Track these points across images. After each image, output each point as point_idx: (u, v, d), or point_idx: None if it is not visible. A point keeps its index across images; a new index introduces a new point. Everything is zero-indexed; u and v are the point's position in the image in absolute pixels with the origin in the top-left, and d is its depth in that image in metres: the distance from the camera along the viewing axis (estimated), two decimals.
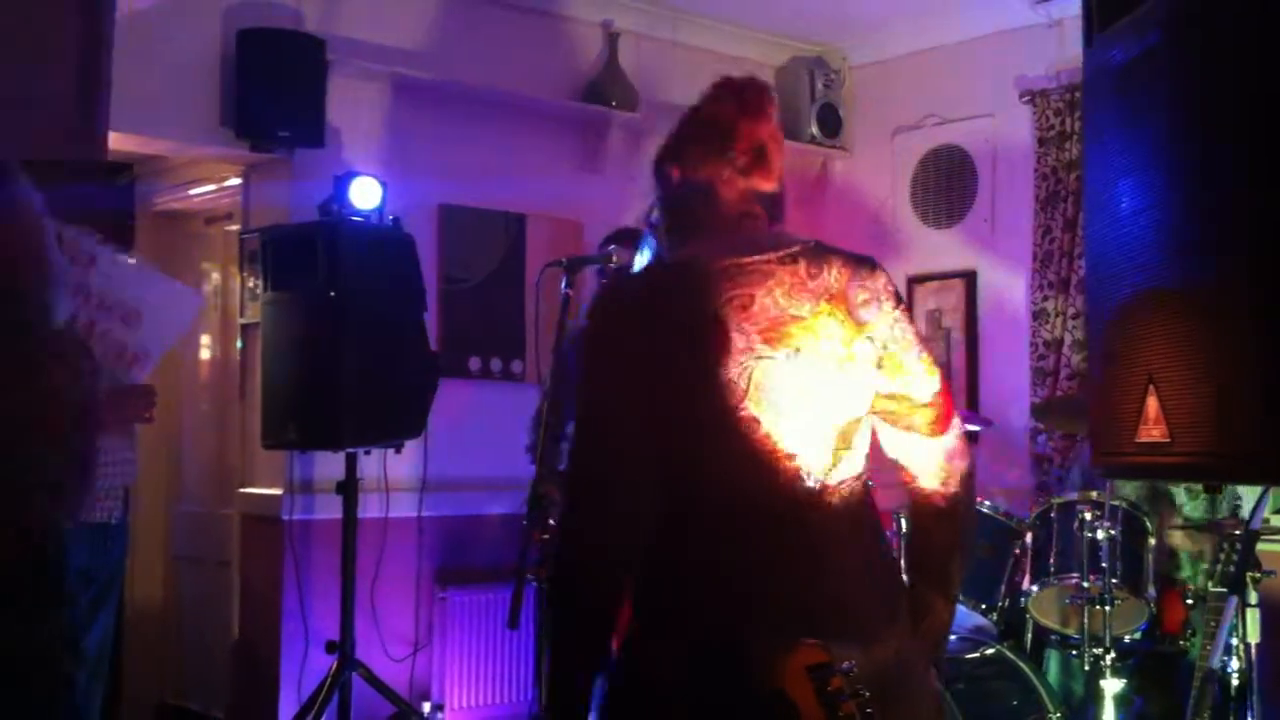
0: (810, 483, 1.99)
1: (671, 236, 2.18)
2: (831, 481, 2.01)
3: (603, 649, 1.96)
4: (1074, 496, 4.44)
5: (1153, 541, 4.32)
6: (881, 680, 1.88)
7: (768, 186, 2.13)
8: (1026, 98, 5.62)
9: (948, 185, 6.02)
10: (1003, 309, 5.77)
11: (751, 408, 1.97)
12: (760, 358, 1.98)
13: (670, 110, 5.66)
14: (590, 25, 5.72)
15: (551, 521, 3.64)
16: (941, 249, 5.98)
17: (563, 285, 3.88)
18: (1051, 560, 4.34)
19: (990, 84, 5.77)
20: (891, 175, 6.21)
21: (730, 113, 2.11)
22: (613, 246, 3.98)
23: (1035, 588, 4.34)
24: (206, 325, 5.69)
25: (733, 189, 2.11)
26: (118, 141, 4.81)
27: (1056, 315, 5.46)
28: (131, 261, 3.70)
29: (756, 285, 2.00)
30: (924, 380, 2.12)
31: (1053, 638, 4.44)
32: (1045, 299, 5.50)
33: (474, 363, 5.33)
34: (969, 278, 5.88)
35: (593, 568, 1.95)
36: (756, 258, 2.03)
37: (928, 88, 6.04)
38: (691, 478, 1.99)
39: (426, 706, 4.94)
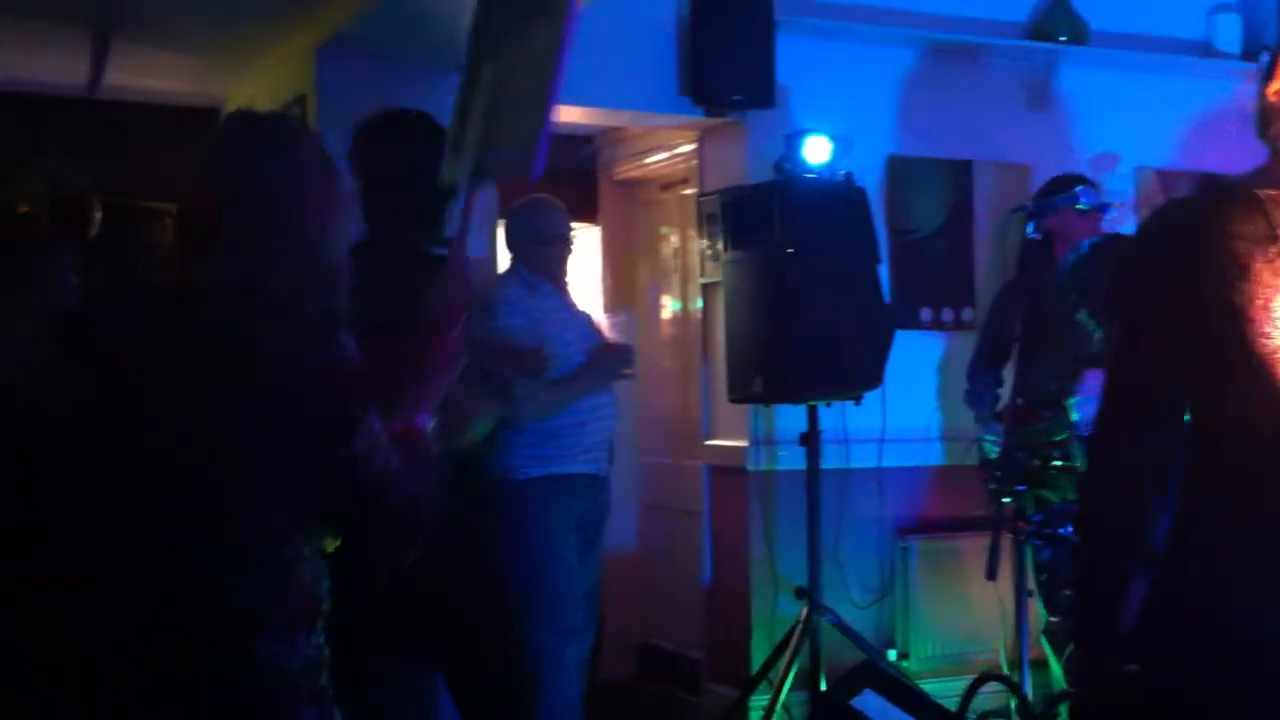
0: None
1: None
2: None
3: (1131, 574, 1.94)
4: None
5: None
6: None
7: None
8: None
9: None
10: None
11: None
12: None
13: (1122, 42, 5.46)
14: None
15: None
16: None
17: (1029, 229, 3.83)
18: None
19: None
20: None
21: None
22: (1080, 188, 3.88)
23: None
24: (667, 286, 5.96)
25: None
26: (584, 115, 5.12)
27: None
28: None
29: None
30: None
31: None
32: None
33: (925, 313, 5.30)
34: None
35: (1120, 487, 1.94)
36: None
37: None
38: (1231, 414, 1.91)
39: (892, 654, 5.00)
